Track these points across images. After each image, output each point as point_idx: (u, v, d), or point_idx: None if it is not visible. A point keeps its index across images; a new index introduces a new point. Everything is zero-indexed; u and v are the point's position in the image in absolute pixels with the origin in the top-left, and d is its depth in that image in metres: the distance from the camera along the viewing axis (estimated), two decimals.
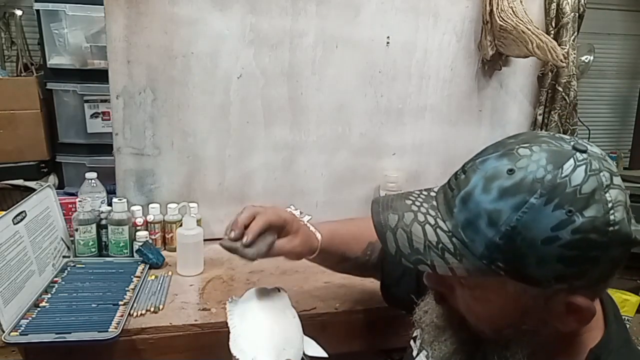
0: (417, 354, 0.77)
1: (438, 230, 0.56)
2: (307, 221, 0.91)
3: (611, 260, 0.52)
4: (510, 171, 0.52)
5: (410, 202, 0.60)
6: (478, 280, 0.55)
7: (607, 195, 0.50)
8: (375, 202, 0.63)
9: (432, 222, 0.57)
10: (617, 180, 0.52)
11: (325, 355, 0.81)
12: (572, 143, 0.53)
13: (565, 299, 0.53)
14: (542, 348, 0.59)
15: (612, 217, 0.50)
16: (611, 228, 0.50)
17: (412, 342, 0.80)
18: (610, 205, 0.50)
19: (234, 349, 0.73)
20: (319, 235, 0.88)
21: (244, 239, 0.78)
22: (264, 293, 0.84)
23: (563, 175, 0.51)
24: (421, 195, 0.61)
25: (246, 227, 0.79)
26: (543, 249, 0.50)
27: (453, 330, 0.63)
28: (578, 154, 0.52)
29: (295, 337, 0.79)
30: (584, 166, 0.51)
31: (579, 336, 0.59)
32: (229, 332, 0.77)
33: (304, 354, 0.79)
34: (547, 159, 0.52)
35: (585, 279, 0.52)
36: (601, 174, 0.51)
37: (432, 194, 0.61)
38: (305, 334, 0.82)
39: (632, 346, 0.62)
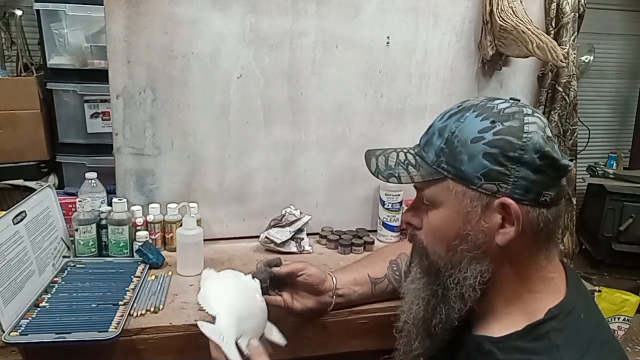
0: None
1: (408, 154, 0.74)
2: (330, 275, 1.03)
3: (531, 167, 0.63)
4: (459, 105, 0.71)
5: (397, 147, 0.78)
6: (431, 187, 0.70)
7: (525, 118, 0.65)
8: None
9: (406, 150, 0.75)
10: (539, 115, 0.67)
11: (283, 342, 0.87)
12: (503, 98, 0.70)
13: (495, 202, 0.64)
14: (494, 283, 0.68)
15: (526, 128, 0.64)
16: (525, 135, 0.64)
17: None
18: (526, 121, 0.65)
19: (201, 300, 0.81)
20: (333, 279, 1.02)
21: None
22: (239, 276, 0.90)
23: (493, 103, 0.68)
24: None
25: None
26: (472, 146, 0.65)
27: (420, 266, 0.75)
28: (511, 100, 0.69)
29: (258, 315, 0.85)
30: (510, 102, 0.68)
31: (538, 294, 0.67)
32: (199, 290, 0.84)
33: (263, 335, 0.85)
34: (485, 99, 0.70)
35: (510, 183, 0.64)
36: (524, 108, 0.67)
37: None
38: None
39: (592, 311, 0.69)
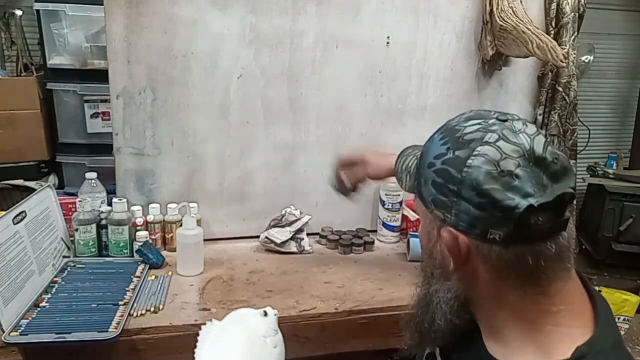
0: None
1: (415, 160, 0.74)
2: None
3: (472, 203, 0.59)
4: (449, 120, 0.68)
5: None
6: (416, 199, 0.70)
7: (479, 147, 0.59)
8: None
9: (417, 155, 0.73)
10: (502, 144, 0.59)
11: None
12: (497, 114, 0.63)
13: (441, 229, 0.64)
14: (477, 304, 0.67)
15: (469, 161, 0.59)
16: (465, 169, 0.59)
17: None
18: (475, 153, 0.59)
19: None
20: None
21: None
22: (245, 319, 0.79)
23: (462, 125, 0.64)
24: None
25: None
26: (426, 172, 0.64)
27: (422, 265, 0.77)
28: (492, 120, 0.62)
29: None
30: (482, 125, 0.62)
31: (564, 328, 0.61)
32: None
33: None
34: (466, 117, 0.65)
35: (452, 214, 0.61)
36: (489, 134, 0.60)
37: None
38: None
39: (622, 350, 0.63)
